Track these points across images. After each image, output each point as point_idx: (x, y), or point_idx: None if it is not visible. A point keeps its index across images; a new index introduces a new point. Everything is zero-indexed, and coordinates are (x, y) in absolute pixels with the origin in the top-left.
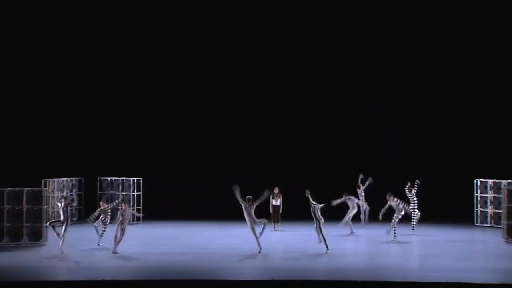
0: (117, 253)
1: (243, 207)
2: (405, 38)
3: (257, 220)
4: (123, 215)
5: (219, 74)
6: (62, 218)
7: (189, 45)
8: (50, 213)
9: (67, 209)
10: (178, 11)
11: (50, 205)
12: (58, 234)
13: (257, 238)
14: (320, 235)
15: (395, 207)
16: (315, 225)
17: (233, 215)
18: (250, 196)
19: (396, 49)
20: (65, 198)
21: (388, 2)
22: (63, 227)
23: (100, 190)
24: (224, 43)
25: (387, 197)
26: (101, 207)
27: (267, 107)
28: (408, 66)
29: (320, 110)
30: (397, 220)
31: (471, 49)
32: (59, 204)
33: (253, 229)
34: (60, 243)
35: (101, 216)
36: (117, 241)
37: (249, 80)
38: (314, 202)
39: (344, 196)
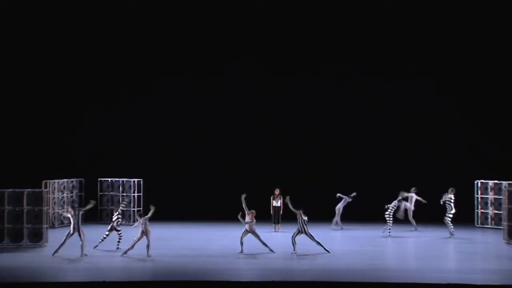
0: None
1: (246, 218)
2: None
3: (256, 233)
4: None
5: (218, 75)
6: (72, 228)
7: (190, 46)
8: (50, 215)
9: (77, 214)
10: (180, 14)
11: (50, 206)
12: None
13: (263, 243)
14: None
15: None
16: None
17: (233, 216)
18: (253, 210)
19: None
20: (72, 207)
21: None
22: (79, 235)
23: (100, 191)
24: (225, 44)
25: (449, 191)
26: (114, 215)
27: (267, 107)
28: (411, 67)
29: (320, 110)
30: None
31: (467, 49)
32: (68, 214)
33: (257, 237)
34: (82, 248)
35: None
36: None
37: (250, 80)
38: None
39: (400, 195)
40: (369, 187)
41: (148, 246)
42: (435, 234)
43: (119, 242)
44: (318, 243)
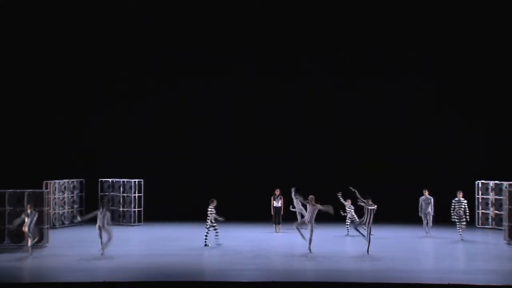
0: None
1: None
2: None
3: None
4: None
5: (219, 76)
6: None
7: (190, 48)
8: (51, 215)
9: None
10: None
11: (51, 207)
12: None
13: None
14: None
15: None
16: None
17: (234, 216)
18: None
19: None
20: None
21: None
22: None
23: (101, 192)
24: (224, 45)
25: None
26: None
27: (267, 107)
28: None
29: (320, 111)
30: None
31: (468, 49)
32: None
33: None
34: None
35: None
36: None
37: (250, 81)
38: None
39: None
40: (369, 188)
41: (106, 242)
42: (436, 235)
43: (216, 236)
44: (369, 240)
